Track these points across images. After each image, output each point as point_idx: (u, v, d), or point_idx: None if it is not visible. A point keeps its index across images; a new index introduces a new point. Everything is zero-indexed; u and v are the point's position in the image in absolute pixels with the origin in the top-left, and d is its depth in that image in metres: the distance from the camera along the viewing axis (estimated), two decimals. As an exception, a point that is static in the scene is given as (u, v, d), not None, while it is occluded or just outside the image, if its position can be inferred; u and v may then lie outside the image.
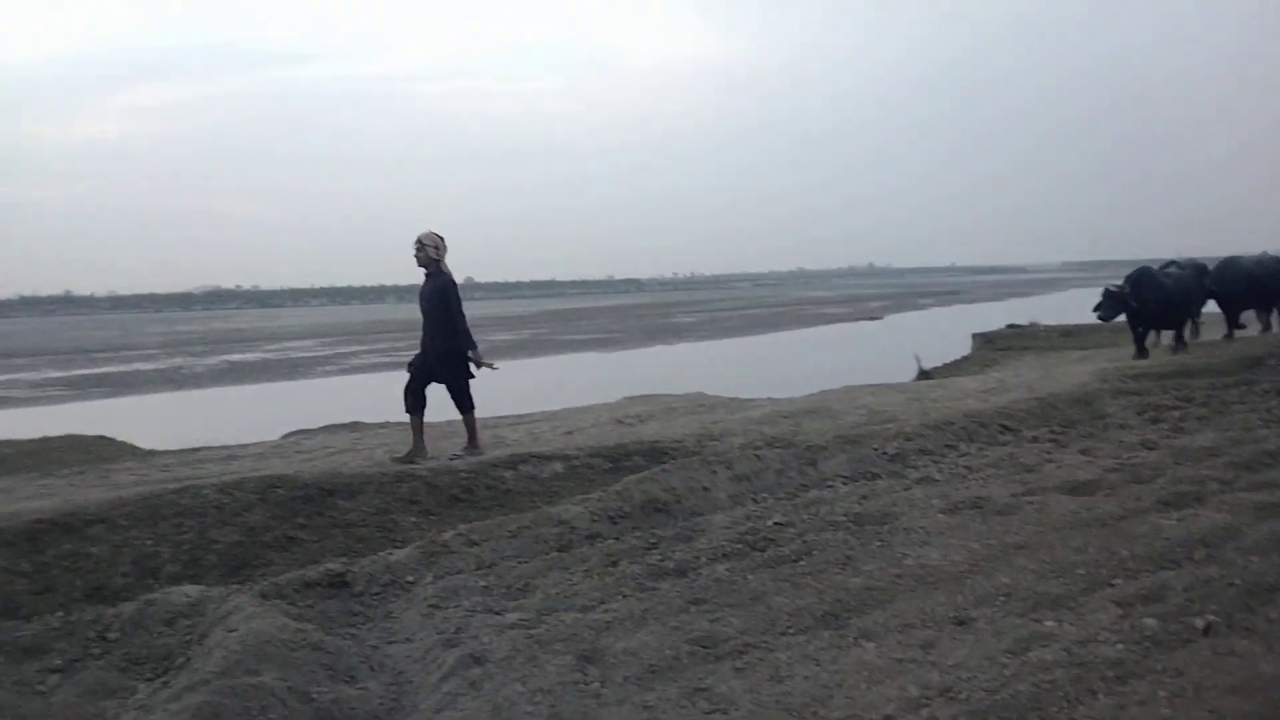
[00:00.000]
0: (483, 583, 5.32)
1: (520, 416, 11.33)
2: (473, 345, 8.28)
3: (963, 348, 20.48)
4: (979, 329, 23.51)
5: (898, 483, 7.05)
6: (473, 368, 8.31)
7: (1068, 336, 20.76)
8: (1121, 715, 3.34)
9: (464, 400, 8.33)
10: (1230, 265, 15.14)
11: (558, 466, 7.70)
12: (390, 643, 4.77)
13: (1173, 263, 14.95)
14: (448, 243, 8.37)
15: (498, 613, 4.89)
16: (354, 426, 12.24)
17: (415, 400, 8.28)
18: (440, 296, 8.19)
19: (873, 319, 41.34)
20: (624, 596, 4.99)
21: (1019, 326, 24.58)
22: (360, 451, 9.38)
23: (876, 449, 7.87)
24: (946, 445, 8.14)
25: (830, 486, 7.06)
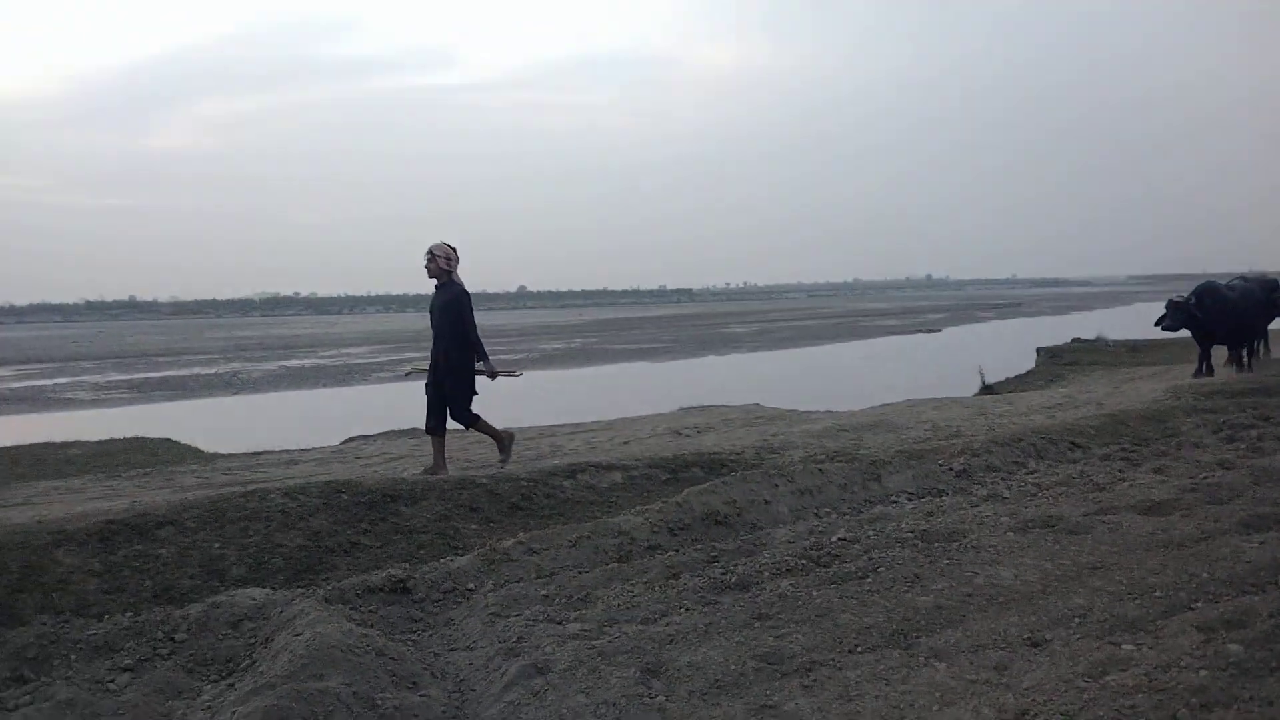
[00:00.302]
0: (543, 592, 5.30)
1: (577, 425, 11.37)
2: (485, 356, 8.20)
3: (1026, 362, 20.06)
4: (1042, 343, 23.04)
5: (965, 499, 6.90)
6: (483, 380, 8.20)
7: (1136, 352, 20.27)
8: (1210, 746, 3.20)
9: (464, 415, 8.17)
10: None
11: (616, 477, 7.69)
12: (452, 650, 4.78)
13: (1241, 278, 14.50)
14: (459, 254, 8.25)
15: (559, 622, 4.87)
16: (412, 433, 12.38)
17: (437, 422, 8.20)
18: (453, 308, 8.09)
19: (931, 331, 40.73)
20: (686, 610, 4.93)
21: (1085, 341, 24.04)
22: (419, 458, 9.47)
23: (942, 464, 7.73)
24: (1015, 462, 7.96)
25: (895, 502, 6.94)
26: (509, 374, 8.45)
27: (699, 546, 6.05)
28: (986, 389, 15.38)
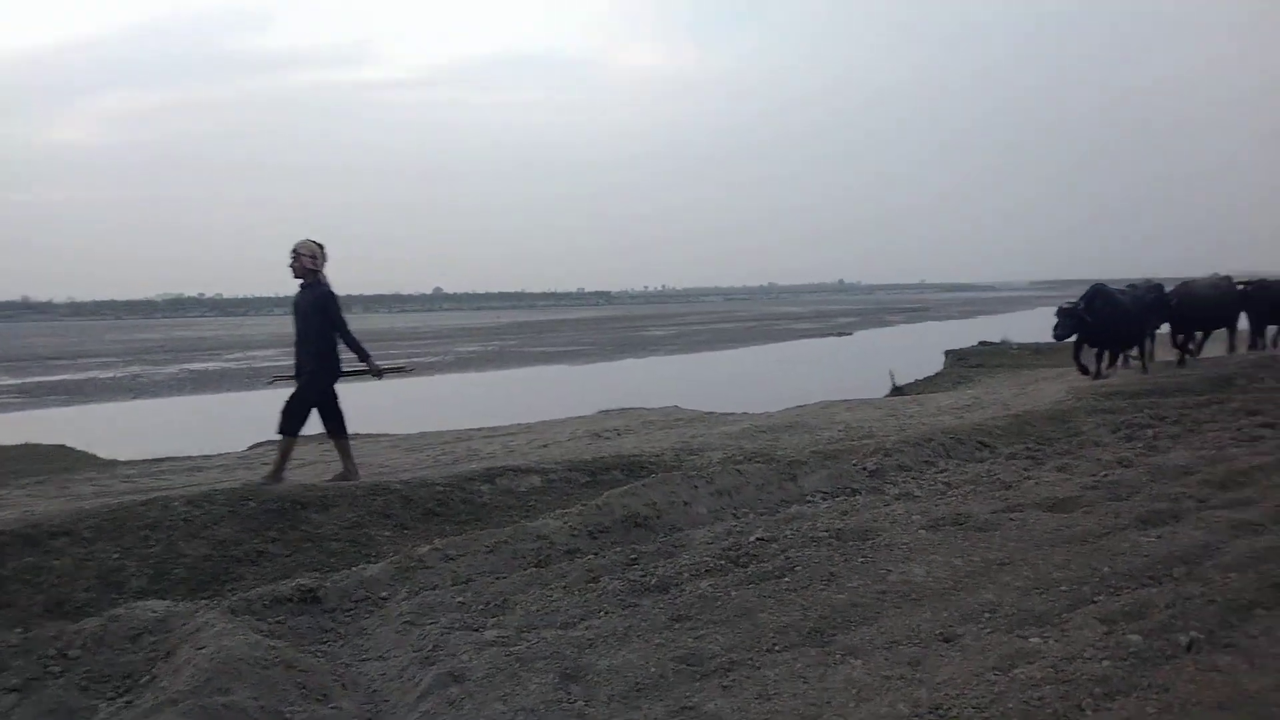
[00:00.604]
0: (459, 599, 5.21)
1: (495, 429, 11.23)
2: (367, 356, 7.83)
3: (935, 364, 20.61)
4: (950, 346, 23.69)
5: (878, 498, 7.03)
6: (388, 383, 7.81)
7: (1039, 354, 20.97)
8: (1113, 734, 3.31)
9: (291, 420, 7.67)
10: (1185, 288, 15.20)
11: (535, 480, 7.62)
12: (364, 660, 4.65)
13: (1133, 285, 15.08)
14: (327, 252, 7.85)
15: (476, 629, 4.78)
16: (322, 439, 12.05)
17: (334, 424, 7.81)
18: (318, 309, 7.64)
19: (843, 335, 41.60)
20: (606, 613, 4.90)
21: (991, 344, 24.79)
22: (330, 464, 9.22)
23: (855, 464, 7.86)
24: (925, 461, 8.15)
25: (811, 502, 7.03)
26: (399, 371, 8.15)
27: (619, 549, 6.02)
28: (897, 390, 15.75)
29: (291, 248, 7.74)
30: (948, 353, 22.35)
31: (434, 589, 5.40)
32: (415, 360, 29.73)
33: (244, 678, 4.04)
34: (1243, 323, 16.30)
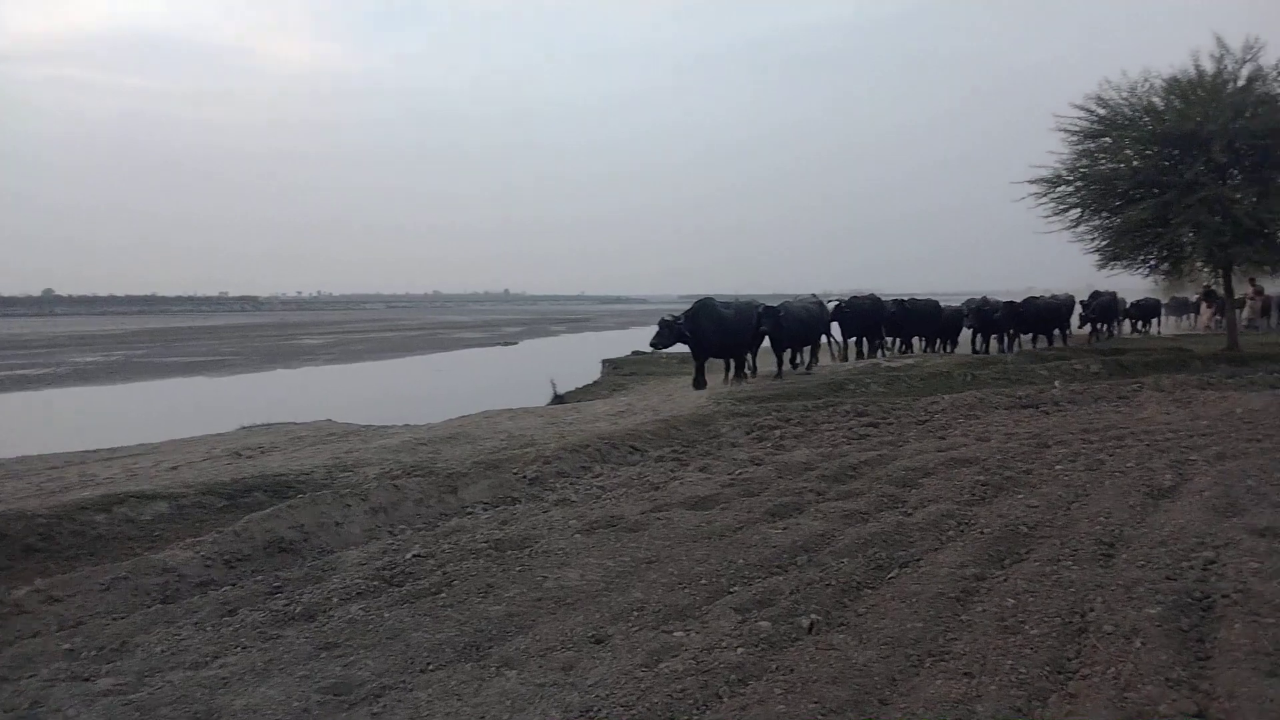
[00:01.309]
0: (67, 645, 4.56)
1: (115, 450, 9.97)
2: None
3: (594, 373, 21.39)
4: (607, 355, 24.72)
5: (537, 506, 7.13)
6: None
7: (686, 363, 22.44)
8: (744, 715, 3.58)
9: None
10: (782, 307, 16.16)
11: (162, 506, 6.87)
12: (-64, 733, 3.91)
13: (752, 303, 16.11)
14: None
15: (87, 679, 4.20)
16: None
17: None
18: None
19: (508, 344, 42.00)
20: (244, 648, 4.52)
21: (643, 353, 26.16)
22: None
23: (516, 473, 7.93)
24: (582, 467, 8.41)
25: (471, 514, 6.98)
26: None
27: (260, 578, 5.61)
28: (558, 399, 16.14)
29: None
30: (605, 361, 23.30)
31: (35, 637, 4.71)
32: (20, 374, 25.79)
33: None
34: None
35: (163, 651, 4.51)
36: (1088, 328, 24.01)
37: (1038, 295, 22.65)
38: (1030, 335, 22.44)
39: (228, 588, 5.44)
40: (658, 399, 13.22)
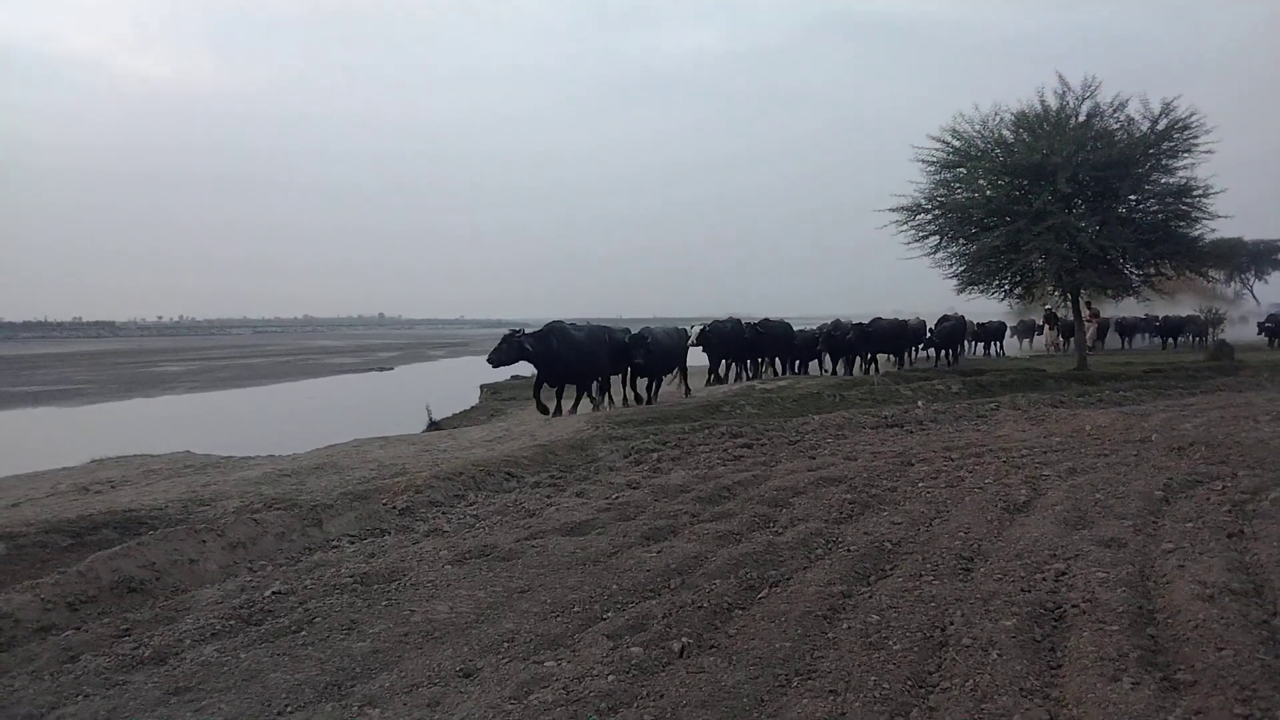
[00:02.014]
0: (-124, 708, 4.15)
1: (-57, 489, 9.21)
2: None
3: (472, 398, 21.07)
4: (485, 380, 24.41)
5: (407, 537, 6.93)
6: None
7: (566, 389, 22.37)
8: (614, 745, 3.53)
9: None
10: (649, 333, 15.70)
11: (-2, 547, 6.37)
12: None
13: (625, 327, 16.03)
14: None
15: (-103, 743, 3.84)
16: None
17: None
18: None
19: (383, 370, 40.96)
20: (85, 697, 4.22)
21: (523, 377, 25.92)
22: None
23: (386, 504, 7.70)
24: (456, 495, 8.23)
25: (336, 547, 6.72)
26: None
27: (107, 620, 5.26)
28: (434, 425, 15.82)
29: None
30: (483, 386, 23.00)
31: None
32: None
33: None
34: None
35: (-11, 707, 4.17)
36: (931, 352, 25.18)
37: (883, 318, 23.55)
38: (882, 356, 23.37)
39: (70, 632, 5.08)
40: (536, 424, 13.10)
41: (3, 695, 4.27)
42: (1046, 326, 35.09)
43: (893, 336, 23.18)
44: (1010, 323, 35.73)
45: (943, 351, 24.75)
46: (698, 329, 18.38)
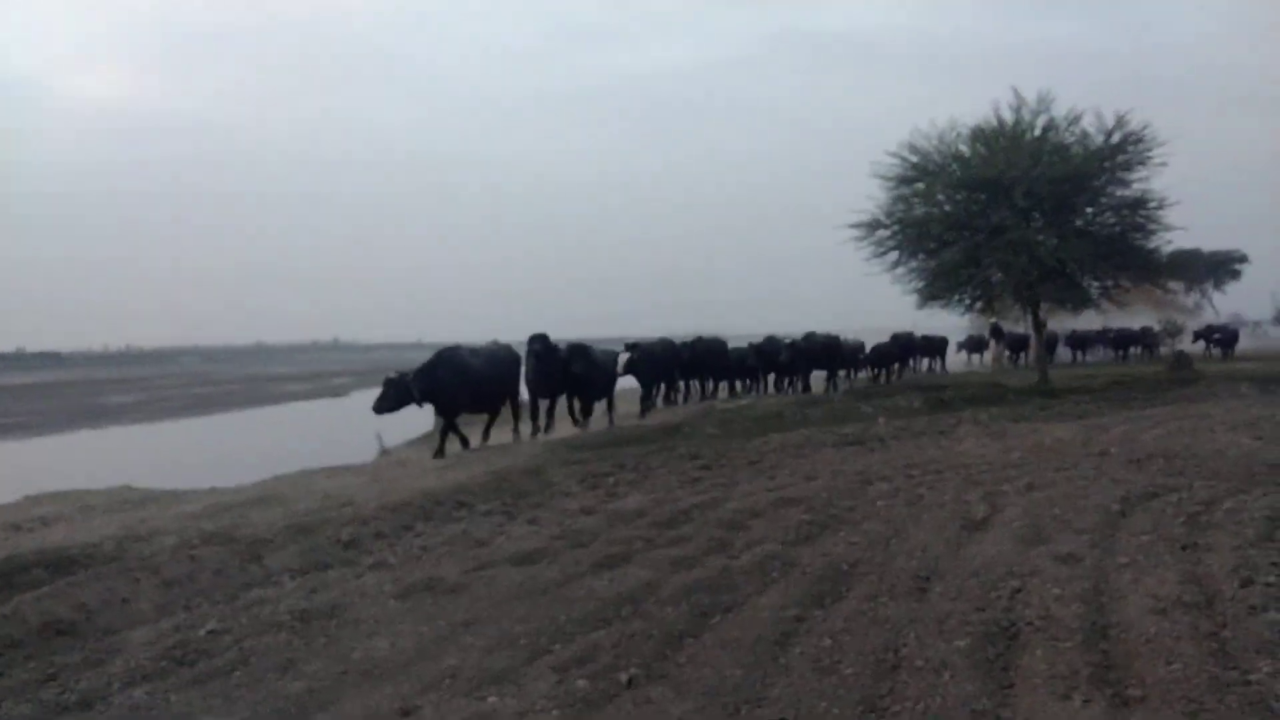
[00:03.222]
0: None
1: None
2: None
3: (427, 424, 20.79)
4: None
5: (350, 571, 6.72)
6: None
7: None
8: (555, 785, 3.39)
9: None
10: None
11: (-82, 591, 6.07)
12: None
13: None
14: None
15: None
16: None
17: None
18: None
19: (338, 396, 40.38)
20: (3, 749, 3.99)
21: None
22: None
23: (330, 537, 7.48)
24: (403, 526, 8.02)
25: (277, 583, 6.49)
26: None
27: (33, 665, 5.05)
28: (385, 453, 15.53)
29: None
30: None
31: None
32: None
33: None
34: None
35: (-100, 762, 3.93)
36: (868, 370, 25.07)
37: (816, 334, 23.35)
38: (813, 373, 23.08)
39: (-8, 681, 4.84)
40: (491, 449, 12.91)
41: (-86, 750, 4.04)
42: (993, 341, 35.36)
43: (825, 353, 23.03)
44: (957, 338, 35.84)
45: (877, 370, 24.61)
46: (624, 356, 16.74)
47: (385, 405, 12.03)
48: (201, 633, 5.31)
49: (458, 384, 12.38)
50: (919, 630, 4.77)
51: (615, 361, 16.44)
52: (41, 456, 20.46)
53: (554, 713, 3.97)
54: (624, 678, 4.32)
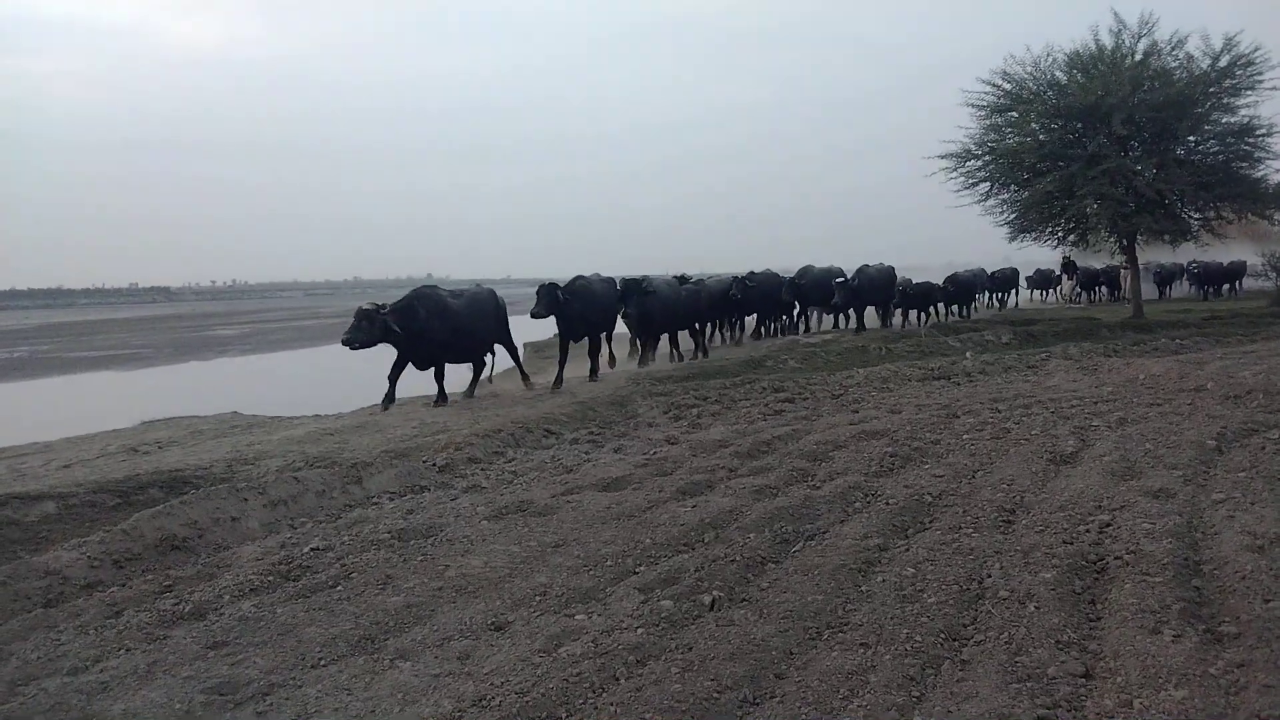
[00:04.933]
0: (-70, 658, 4.30)
1: (1, 451, 9.49)
2: None
3: (506, 360, 21.12)
4: (530, 338, 24.50)
5: (445, 494, 6.99)
6: None
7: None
8: (639, 696, 3.52)
9: None
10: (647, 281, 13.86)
11: (49, 507, 6.56)
12: None
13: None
14: None
15: (-49, 695, 3.96)
16: None
17: None
18: None
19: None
20: (127, 651, 4.32)
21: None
22: None
23: (426, 461, 7.77)
24: (495, 452, 8.27)
25: (376, 504, 6.80)
26: None
27: (150, 577, 5.38)
28: (475, 384, 15.83)
29: None
30: (526, 345, 23.07)
31: (-102, 649, 4.41)
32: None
33: None
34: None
35: (39, 658, 4.29)
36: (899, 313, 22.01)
37: (869, 267, 21.42)
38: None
39: (115, 589, 5.20)
40: (577, 381, 13.11)
41: (50, 649, 4.39)
42: (1065, 277, 33.74)
43: (881, 288, 20.64)
44: (1027, 272, 33.72)
45: (908, 314, 22.29)
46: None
47: (357, 339, 10.69)
48: (305, 550, 5.61)
49: (435, 326, 11.28)
50: (1004, 561, 4.74)
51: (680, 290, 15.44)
52: (154, 385, 21.54)
53: (639, 631, 4.10)
54: (707, 599, 4.43)
